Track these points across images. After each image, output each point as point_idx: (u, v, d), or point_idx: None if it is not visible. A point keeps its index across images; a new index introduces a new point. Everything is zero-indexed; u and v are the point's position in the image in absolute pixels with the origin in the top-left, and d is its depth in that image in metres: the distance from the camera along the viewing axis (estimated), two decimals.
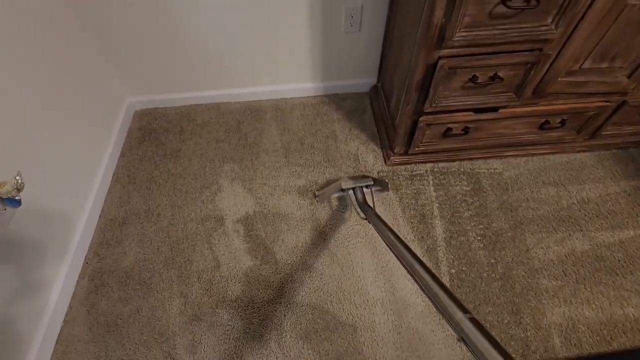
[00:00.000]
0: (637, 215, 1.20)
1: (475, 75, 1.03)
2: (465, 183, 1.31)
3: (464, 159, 1.38)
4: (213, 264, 1.16)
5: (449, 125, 1.22)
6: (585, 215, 1.21)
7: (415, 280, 0.62)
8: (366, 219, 1.08)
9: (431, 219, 1.23)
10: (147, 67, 1.45)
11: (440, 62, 0.98)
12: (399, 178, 1.34)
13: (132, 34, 1.30)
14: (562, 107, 1.19)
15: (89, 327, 1.06)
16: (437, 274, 0.94)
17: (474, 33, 0.91)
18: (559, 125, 1.25)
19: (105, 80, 1.41)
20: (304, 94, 1.62)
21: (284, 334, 1.03)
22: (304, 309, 1.07)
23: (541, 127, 1.27)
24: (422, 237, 1.19)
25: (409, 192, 1.30)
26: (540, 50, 0.98)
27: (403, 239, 0.76)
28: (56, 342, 1.04)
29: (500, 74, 1.02)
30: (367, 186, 1.22)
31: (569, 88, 1.11)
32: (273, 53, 1.43)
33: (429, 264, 1.13)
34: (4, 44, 0.95)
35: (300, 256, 1.17)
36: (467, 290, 1.08)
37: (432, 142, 1.30)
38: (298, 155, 1.42)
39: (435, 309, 0.56)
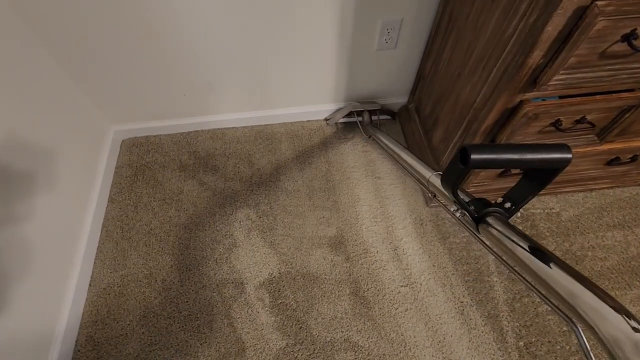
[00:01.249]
0: None
1: (559, 119, 0.83)
2: (521, 227, 1.14)
3: None
4: (236, 346, 0.96)
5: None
6: None
7: (410, 173, 0.71)
8: (370, 137, 1.16)
9: (488, 277, 1.06)
10: (131, 89, 1.18)
11: (525, 108, 0.78)
12: (445, 224, 1.15)
13: (106, 47, 1.03)
14: (638, 144, 1.02)
15: None
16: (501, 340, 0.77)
17: (576, 75, 0.71)
18: (629, 160, 1.09)
19: (80, 107, 1.15)
20: (323, 116, 1.40)
21: None
22: None
23: (609, 163, 1.10)
24: (480, 299, 1.02)
25: (457, 240, 1.12)
26: None
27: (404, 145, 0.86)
28: None
29: (589, 117, 0.84)
30: (374, 111, 1.31)
31: None
32: (290, 71, 1.20)
33: (493, 335, 0.97)
34: None
35: (341, 331, 0.98)
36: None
37: (484, 182, 1.11)
38: (324, 196, 1.21)
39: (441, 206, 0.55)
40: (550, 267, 0.33)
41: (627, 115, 0.84)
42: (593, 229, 1.14)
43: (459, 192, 0.46)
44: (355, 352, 0.95)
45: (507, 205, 0.43)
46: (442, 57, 1.03)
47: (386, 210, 1.18)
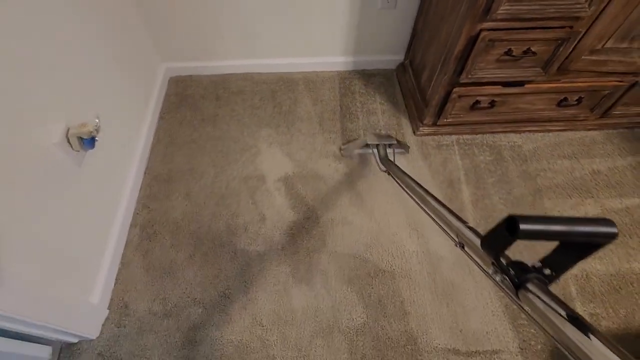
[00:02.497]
0: None
1: (510, 49, 1.12)
2: (488, 153, 1.42)
3: (486, 132, 1.49)
4: (258, 217, 1.25)
5: (478, 98, 1.32)
6: (596, 184, 1.34)
7: (435, 220, 0.65)
8: (386, 171, 1.14)
9: (458, 185, 1.33)
10: (181, 33, 1.50)
11: (482, 34, 1.07)
12: (427, 147, 1.44)
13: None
14: (581, 84, 1.30)
15: (146, 270, 1.14)
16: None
17: (516, 7, 1.00)
18: (576, 102, 1.37)
19: (142, 44, 1.46)
20: (334, 68, 1.70)
21: (329, 279, 1.12)
22: (346, 258, 1.16)
23: (559, 104, 1.38)
24: (451, 199, 1.30)
25: (437, 160, 1.40)
26: (571, 27, 1.08)
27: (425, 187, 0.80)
28: (115, 282, 1.11)
29: (534, 48, 1.13)
30: (389, 145, 1.32)
31: (590, 66, 1.23)
32: (307, 24, 1.50)
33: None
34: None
35: (340, 213, 1.26)
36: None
37: (459, 114, 1.40)
38: (331, 123, 1.50)
39: (455, 245, 0.58)
40: (589, 338, 0.32)
41: (562, 49, 1.13)
42: (546, 158, 1.41)
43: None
44: (350, 227, 1.23)
45: (547, 271, 0.42)
46: (431, 9, 1.34)
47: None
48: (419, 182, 0.85)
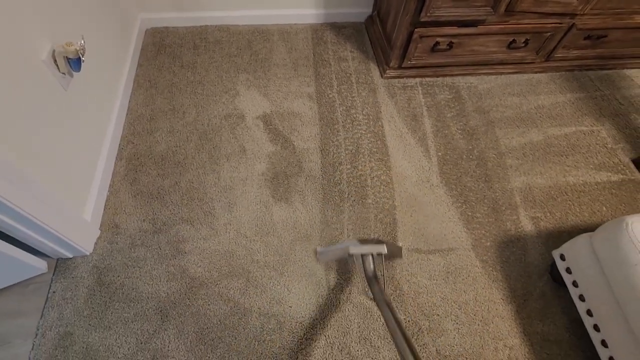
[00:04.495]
0: (578, 117, 1.52)
1: None
2: (448, 93, 1.57)
3: (446, 75, 1.64)
4: (239, 149, 1.34)
5: (438, 39, 1.46)
6: (540, 116, 1.51)
7: None
8: (372, 299, 0.92)
9: (421, 118, 1.48)
10: None
11: None
12: (393, 88, 1.57)
13: None
14: (526, 26, 1.46)
15: (134, 196, 1.21)
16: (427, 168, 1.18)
17: None
18: (523, 44, 1.53)
19: None
20: (307, 20, 1.79)
21: (306, 197, 1.24)
22: (320, 180, 1.28)
23: (509, 45, 1.54)
24: (415, 130, 1.44)
25: (402, 98, 1.53)
26: None
27: (402, 321, 0.78)
28: (105, 206, 1.18)
29: None
30: (378, 254, 0.98)
31: (533, 7, 1.38)
32: None
33: (421, 150, 1.38)
34: None
35: (315, 144, 1.37)
36: (451, 167, 1.35)
37: (422, 57, 1.53)
38: (305, 69, 1.60)
39: None
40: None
41: None
42: (498, 96, 1.58)
43: None
44: (323, 155, 1.34)
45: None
46: None
47: (352, 79, 1.58)
48: (398, 316, 0.80)
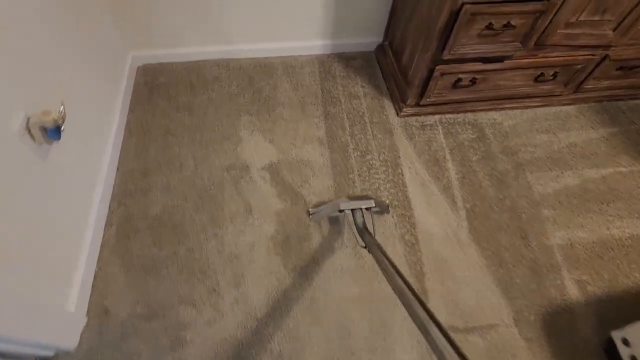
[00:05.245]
0: (614, 156, 1.39)
1: (491, 22, 1.12)
2: (471, 132, 1.43)
3: (467, 111, 1.50)
4: (244, 207, 1.19)
5: (460, 76, 1.32)
6: (573, 156, 1.38)
7: (411, 315, 0.60)
8: (365, 247, 0.94)
9: (444, 163, 1.33)
10: (148, 18, 1.40)
11: (465, 7, 1.06)
12: (411, 128, 1.43)
13: None
14: (556, 59, 1.33)
15: (125, 271, 1.06)
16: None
17: None
18: (551, 77, 1.40)
19: (107, 31, 1.34)
20: (312, 52, 1.65)
21: (322, 266, 1.09)
22: (337, 245, 1.13)
23: (536, 79, 1.41)
24: (438, 177, 1.30)
25: (421, 140, 1.39)
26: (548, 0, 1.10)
27: (399, 268, 0.73)
28: (93, 287, 1.03)
29: (513, 21, 1.13)
30: (367, 208, 1.05)
31: (565, 40, 1.25)
32: (284, 6, 1.44)
33: (446, 201, 1.24)
34: None
35: (328, 198, 1.23)
36: (482, 221, 1.20)
37: (442, 93, 1.39)
38: (314, 108, 1.46)
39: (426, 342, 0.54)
40: None
41: (539, 22, 1.14)
42: (526, 133, 1.44)
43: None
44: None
45: None
46: None
47: (365, 118, 1.44)
48: (393, 260, 0.77)
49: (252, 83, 1.53)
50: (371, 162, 1.32)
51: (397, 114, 1.47)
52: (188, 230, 1.13)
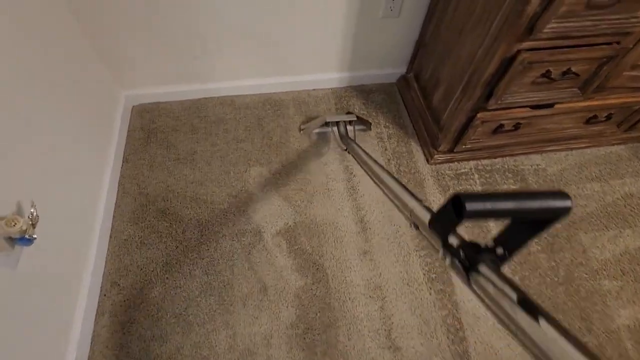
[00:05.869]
0: None
1: (549, 70, 0.95)
2: (512, 181, 1.26)
3: (506, 156, 1.32)
4: (258, 286, 1.02)
5: (502, 122, 1.15)
6: (631, 210, 1.21)
7: (390, 199, 0.62)
8: (346, 150, 1.10)
9: (484, 221, 1.16)
10: (142, 54, 1.22)
11: (521, 55, 0.88)
12: (444, 178, 1.25)
13: (119, 9, 1.07)
14: (614, 101, 1.15)
15: None
16: None
17: (566, 24, 0.82)
18: (605, 119, 1.22)
19: (93, 70, 1.17)
20: (327, 85, 1.47)
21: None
22: (367, 332, 0.97)
23: (588, 121, 1.23)
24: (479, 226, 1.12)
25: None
26: (619, 43, 0.92)
27: (382, 164, 0.77)
28: None
29: (574, 68, 0.95)
30: (350, 122, 1.26)
31: (629, 82, 1.07)
32: (296, 39, 1.26)
33: None
34: None
35: (354, 272, 1.06)
36: (534, 297, 1.03)
37: (480, 139, 1.22)
38: (332, 154, 1.28)
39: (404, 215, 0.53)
40: (538, 324, 0.30)
41: (605, 67, 0.96)
42: (574, 181, 1.27)
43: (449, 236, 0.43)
44: (369, 288, 1.03)
45: (499, 251, 0.39)
46: (444, 19, 1.13)
47: (391, 166, 1.27)
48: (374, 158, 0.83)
49: (261, 125, 1.35)
50: (401, 222, 1.15)
51: (427, 161, 1.30)
52: (193, 319, 0.97)
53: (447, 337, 0.97)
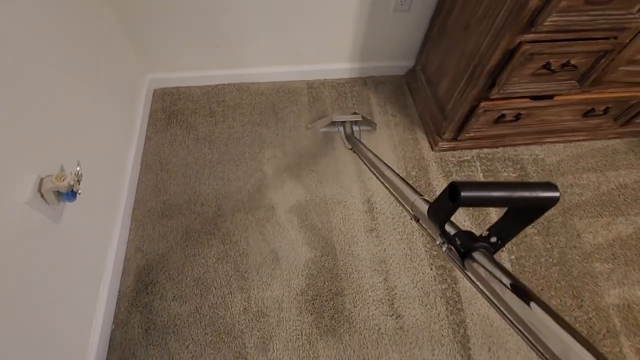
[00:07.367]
0: None
1: (549, 62, 1.01)
2: (512, 169, 1.33)
3: (507, 145, 1.39)
4: (271, 256, 1.10)
5: (504, 112, 1.22)
6: (625, 200, 1.27)
7: (393, 194, 0.67)
8: (351, 149, 1.13)
9: (485, 209, 1.23)
10: (167, 40, 1.30)
11: (522, 47, 0.95)
12: (447, 164, 1.32)
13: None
14: (611, 95, 1.22)
15: (145, 330, 0.97)
16: (500, 262, 0.95)
17: (565, 18, 0.89)
18: (602, 113, 1.29)
19: (122, 52, 1.25)
20: (339, 75, 1.55)
21: (356, 325, 1.00)
22: (372, 301, 1.04)
23: (585, 114, 1.29)
24: (479, 223, 1.20)
25: (459, 178, 1.29)
26: (616, 38, 0.98)
27: (387, 163, 0.81)
28: (109, 348, 0.94)
29: (573, 61, 1.02)
30: (356, 122, 1.32)
31: (625, 77, 1.14)
32: (311, 29, 1.34)
33: None
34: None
35: (360, 247, 1.13)
36: (529, 276, 1.11)
37: (482, 128, 1.29)
38: (342, 139, 1.36)
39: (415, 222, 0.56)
40: (530, 307, 0.32)
41: (602, 61, 1.03)
42: (571, 172, 1.33)
43: (446, 226, 0.46)
44: (374, 262, 1.10)
45: (493, 239, 0.42)
46: (452, 14, 1.20)
47: (397, 151, 1.34)
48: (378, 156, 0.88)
49: (275, 110, 1.43)
50: None
51: (432, 148, 1.37)
52: (211, 283, 1.05)
53: (446, 308, 1.04)
